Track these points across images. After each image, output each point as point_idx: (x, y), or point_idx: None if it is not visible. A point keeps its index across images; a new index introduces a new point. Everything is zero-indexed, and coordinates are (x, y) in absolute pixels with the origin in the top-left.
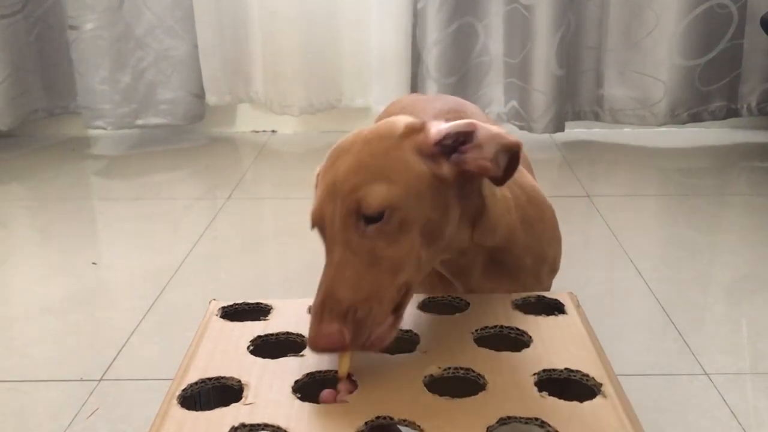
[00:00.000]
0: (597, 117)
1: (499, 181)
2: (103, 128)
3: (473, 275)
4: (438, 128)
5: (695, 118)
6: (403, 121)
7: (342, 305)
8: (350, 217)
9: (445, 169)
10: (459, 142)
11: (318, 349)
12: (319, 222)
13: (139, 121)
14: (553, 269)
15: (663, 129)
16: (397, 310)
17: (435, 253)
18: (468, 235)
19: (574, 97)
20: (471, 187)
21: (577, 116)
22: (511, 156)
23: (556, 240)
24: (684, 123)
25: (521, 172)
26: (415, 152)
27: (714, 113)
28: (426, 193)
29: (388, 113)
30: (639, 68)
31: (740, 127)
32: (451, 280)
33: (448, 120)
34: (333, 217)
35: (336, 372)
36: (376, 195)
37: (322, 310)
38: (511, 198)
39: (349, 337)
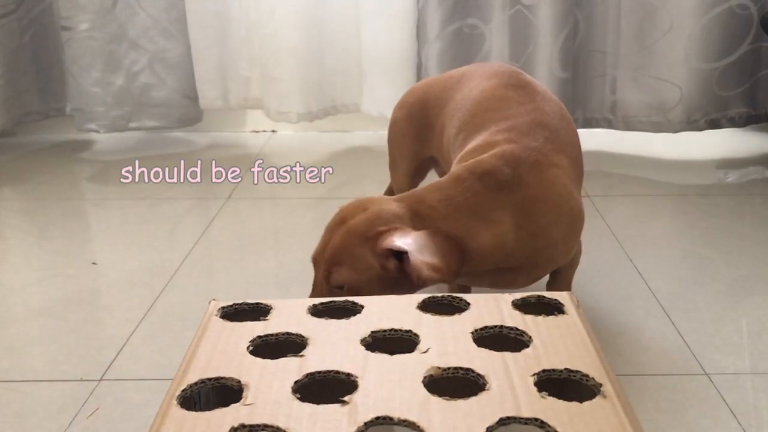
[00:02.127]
0: (610, 124)
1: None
2: (96, 131)
3: (483, 282)
4: (388, 243)
5: (713, 125)
6: (375, 226)
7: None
8: (325, 278)
9: (391, 264)
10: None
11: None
12: (313, 263)
13: (133, 124)
14: (567, 249)
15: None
16: None
17: None
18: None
19: (585, 103)
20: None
21: (589, 123)
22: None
23: (567, 228)
24: (701, 129)
25: (539, 181)
26: (372, 252)
27: (733, 120)
28: (374, 279)
29: (487, 95)
30: (653, 72)
31: (758, 132)
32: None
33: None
34: (318, 268)
35: (335, 373)
36: (340, 275)
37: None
38: (504, 231)
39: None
